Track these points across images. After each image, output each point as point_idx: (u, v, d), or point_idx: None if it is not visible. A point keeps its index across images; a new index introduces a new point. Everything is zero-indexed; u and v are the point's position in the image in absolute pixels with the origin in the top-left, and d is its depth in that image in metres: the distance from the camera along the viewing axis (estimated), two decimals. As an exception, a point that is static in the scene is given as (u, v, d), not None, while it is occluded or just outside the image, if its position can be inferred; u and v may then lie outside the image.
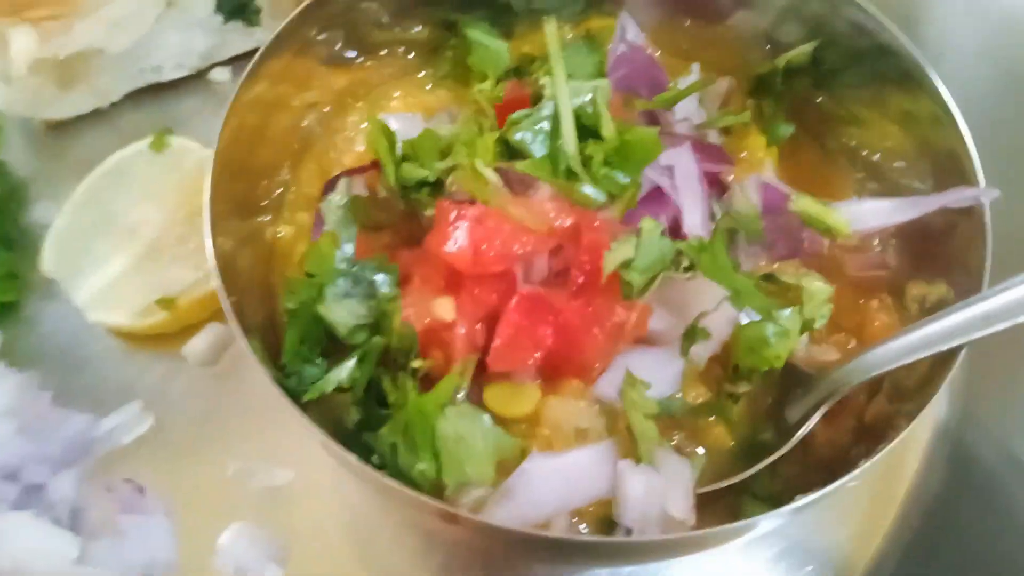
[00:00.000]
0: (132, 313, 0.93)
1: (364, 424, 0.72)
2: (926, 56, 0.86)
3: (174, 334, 0.95)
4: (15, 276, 0.98)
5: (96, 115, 1.11)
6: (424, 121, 0.85)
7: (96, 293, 0.95)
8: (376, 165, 0.81)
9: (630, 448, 0.71)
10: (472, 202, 0.74)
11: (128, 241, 0.98)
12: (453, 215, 0.72)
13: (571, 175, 0.74)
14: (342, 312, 0.72)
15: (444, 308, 0.71)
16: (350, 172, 0.83)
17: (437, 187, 0.78)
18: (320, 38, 0.86)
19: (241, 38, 1.12)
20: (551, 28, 0.79)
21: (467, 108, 0.84)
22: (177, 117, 1.13)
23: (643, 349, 0.73)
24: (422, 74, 0.94)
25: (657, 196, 0.76)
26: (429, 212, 0.76)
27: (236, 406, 0.91)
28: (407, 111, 0.89)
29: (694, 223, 0.75)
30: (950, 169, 0.76)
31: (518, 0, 0.93)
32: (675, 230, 0.75)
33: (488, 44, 0.88)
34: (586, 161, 0.74)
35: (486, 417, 0.68)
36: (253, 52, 1.04)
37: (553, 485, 0.68)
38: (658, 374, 0.72)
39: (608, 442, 0.71)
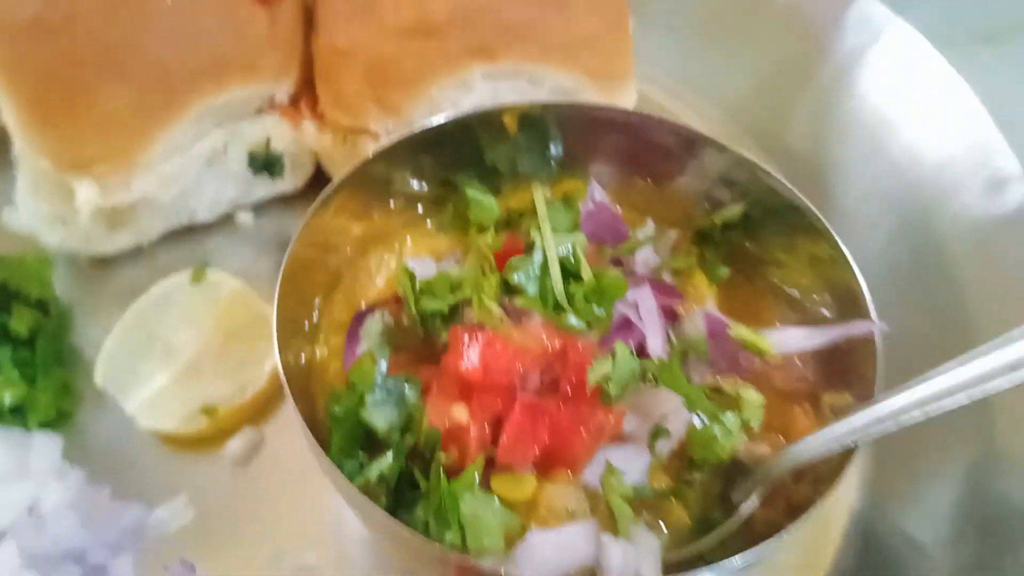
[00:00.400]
0: (177, 420, 1.08)
1: (394, 505, 0.88)
2: (831, 206, 1.11)
3: (213, 437, 1.10)
4: (69, 389, 1.12)
5: (135, 250, 1.28)
6: (435, 263, 1.04)
7: (144, 403, 1.10)
8: (399, 299, 1.00)
9: (610, 524, 0.88)
10: (480, 328, 0.92)
11: (171, 359, 1.13)
12: (465, 339, 0.91)
13: (558, 308, 0.94)
14: (380, 416, 0.89)
15: (460, 413, 0.89)
16: (379, 305, 1.01)
17: (450, 316, 0.96)
18: (355, 197, 1.05)
19: (264, 187, 1.31)
20: (539, 195, 1.01)
21: (472, 253, 1.03)
22: (206, 253, 1.30)
23: (618, 445, 0.92)
24: (428, 223, 1.13)
25: (625, 325, 0.96)
26: (444, 337, 0.95)
27: (267, 498, 1.06)
28: (417, 255, 1.08)
29: (656, 346, 0.95)
30: (849, 302, 0.97)
31: (504, 164, 1.13)
32: (640, 351, 0.95)
33: (482, 200, 1.08)
34: (570, 297, 0.95)
35: (496, 500, 0.85)
36: (274, 198, 1.25)
37: (551, 554, 0.84)
38: (631, 465, 0.91)
39: (592, 520, 0.88)
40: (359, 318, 1.01)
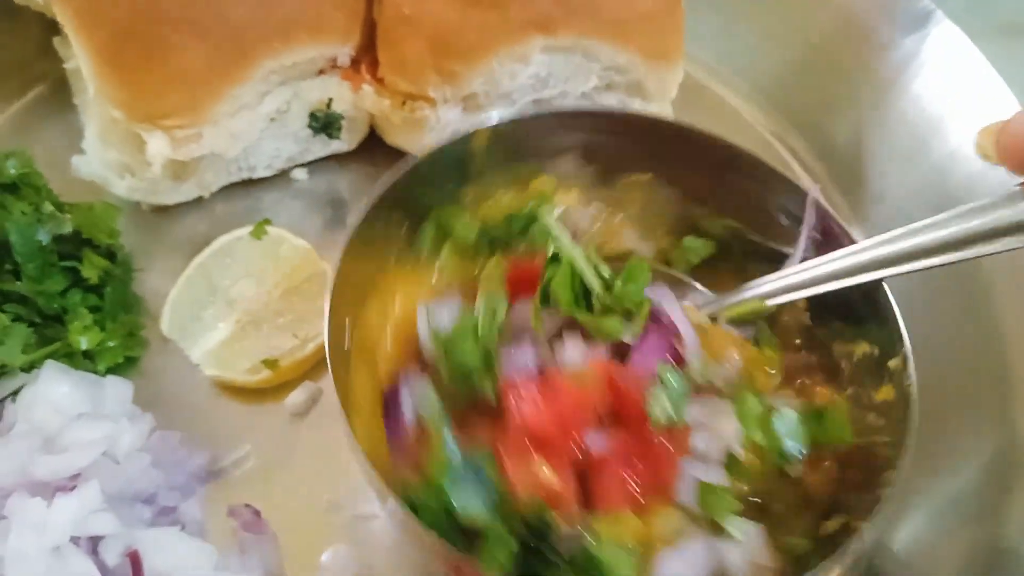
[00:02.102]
0: (240, 371, 1.09)
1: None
2: (871, 203, 1.12)
3: (274, 388, 1.11)
4: (136, 335, 1.13)
5: (195, 201, 1.28)
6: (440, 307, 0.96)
7: (208, 353, 1.11)
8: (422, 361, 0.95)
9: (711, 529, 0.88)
10: (525, 378, 0.88)
11: (233, 311, 1.14)
12: (520, 392, 0.86)
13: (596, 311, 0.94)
14: (473, 506, 0.82)
15: (547, 475, 0.84)
16: (408, 371, 0.94)
17: (486, 366, 0.90)
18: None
19: (321, 146, 1.30)
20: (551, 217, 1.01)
21: (481, 294, 0.95)
22: (262, 206, 1.31)
23: (692, 462, 0.90)
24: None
25: (654, 333, 0.95)
26: (487, 388, 0.89)
27: (325, 449, 1.07)
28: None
29: (689, 336, 0.95)
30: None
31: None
32: (674, 353, 0.94)
33: (457, 212, 1.03)
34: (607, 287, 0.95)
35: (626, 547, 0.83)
36: (329, 157, 1.24)
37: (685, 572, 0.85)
38: (710, 475, 0.90)
39: (701, 531, 0.87)
40: (395, 391, 0.94)
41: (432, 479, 0.84)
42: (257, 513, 0.98)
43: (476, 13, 1.17)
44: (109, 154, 1.16)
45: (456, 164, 1.02)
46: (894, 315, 0.92)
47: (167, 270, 1.21)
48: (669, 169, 1.07)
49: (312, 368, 1.12)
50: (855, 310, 0.96)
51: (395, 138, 1.30)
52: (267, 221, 1.20)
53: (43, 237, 1.07)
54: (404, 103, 1.24)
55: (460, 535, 0.83)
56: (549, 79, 1.24)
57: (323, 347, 1.05)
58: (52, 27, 1.22)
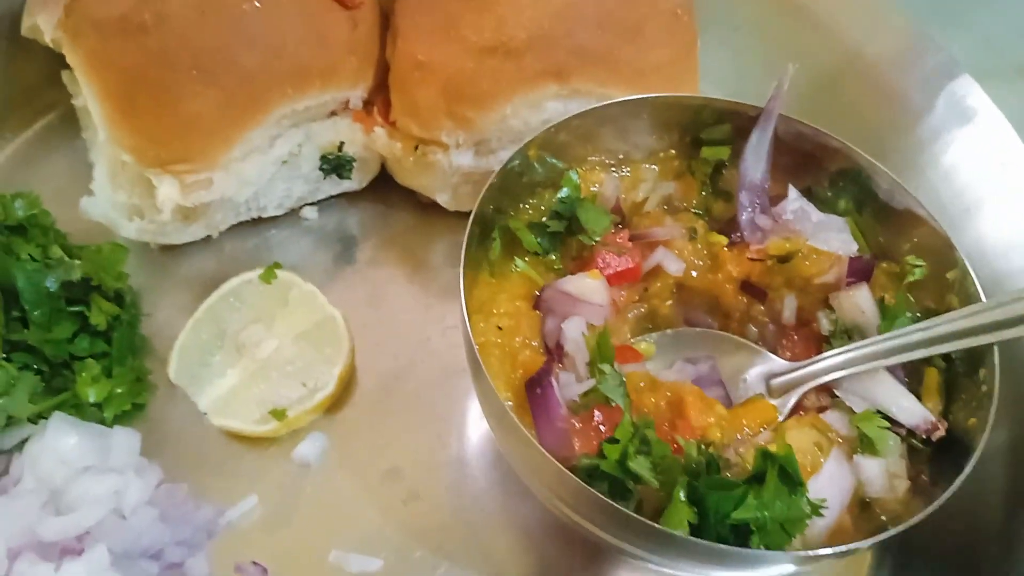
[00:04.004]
0: (247, 420, 1.07)
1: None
2: None
3: (281, 438, 1.09)
4: (144, 381, 1.11)
5: (204, 240, 1.25)
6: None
7: (216, 401, 1.09)
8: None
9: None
10: None
11: (241, 357, 1.12)
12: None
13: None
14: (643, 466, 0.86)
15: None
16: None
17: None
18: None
19: (331, 186, 1.28)
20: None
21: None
22: (271, 244, 1.29)
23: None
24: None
25: None
26: None
27: (333, 501, 1.05)
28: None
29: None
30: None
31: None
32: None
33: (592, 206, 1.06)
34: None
35: None
36: (339, 194, 1.22)
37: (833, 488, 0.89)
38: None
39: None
40: (542, 383, 0.93)
41: (619, 451, 0.85)
42: (264, 570, 0.96)
43: (491, 61, 1.14)
44: (118, 196, 1.13)
45: (513, 177, 1.05)
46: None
47: (174, 310, 1.19)
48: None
49: (320, 417, 1.10)
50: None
51: (406, 179, 1.28)
52: (277, 265, 1.18)
53: (51, 284, 1.04)
54: (416, 147, 1.21)
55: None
56: (561, 125, 1.21)
57: (331, 398, 1.05)
58: (60, 58, 1.19)
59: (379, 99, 1.25)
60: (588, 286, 1.00)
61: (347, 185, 1.29)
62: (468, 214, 1.23)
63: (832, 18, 1.39)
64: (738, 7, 1.43)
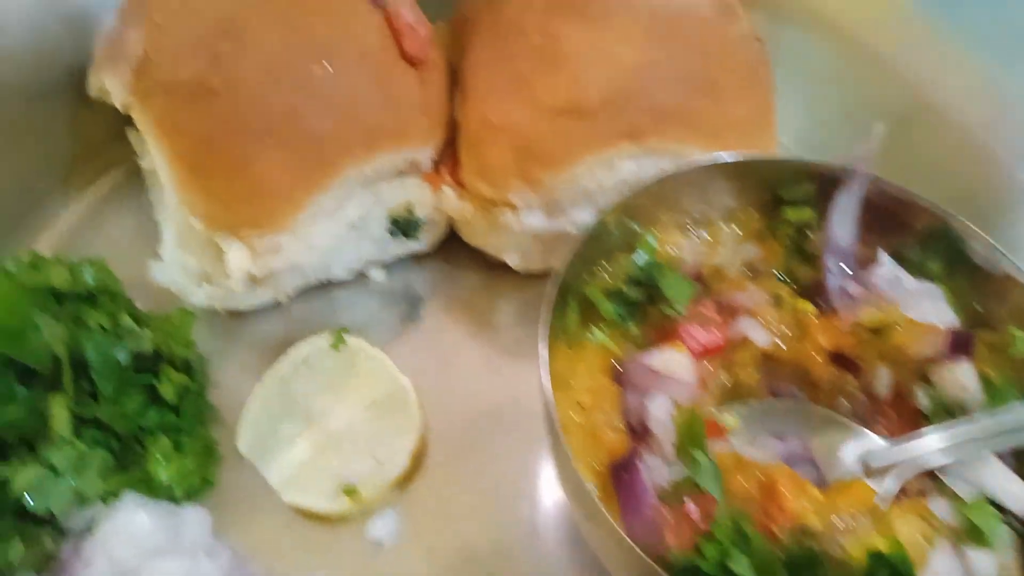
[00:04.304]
0: (319, 497, 1.04)
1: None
2: None
3: (353, 516, 1.05)
4: (213, 453, 1.08)
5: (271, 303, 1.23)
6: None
7: (286, 475, 1.06)
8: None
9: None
10: None
11: (311, 428, 1.09)
12: None
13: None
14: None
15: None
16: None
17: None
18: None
19: (399, 247, 1.25)
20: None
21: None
22: (338, 306, 1.26)
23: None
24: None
25: None
26: None
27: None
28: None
29: None
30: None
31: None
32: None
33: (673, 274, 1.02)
34: None
35: None
36: (406, 257, 1.19)
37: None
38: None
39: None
40: (628, 466, 0.89)
41: (718, 549, 0.81)
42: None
43: (564, 122, 1.11)
44: (187, 261, 1.11)
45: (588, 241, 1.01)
46: None
47: (242, 375, 1.17)
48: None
49: (393, 493, 1.06)
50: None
51: (474, 238, 1.25)
52: (345, 330, 1.15)
53: (122, 356, 1.02)
54: (485, 208, 1.18)
55: None
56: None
57: (404, 474, 1.01)
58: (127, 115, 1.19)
59: (447, 158, 1.22)
60: (674, 362, 0.96)
61: (415, 246, 1.26)
62: (538, 275, 1.21)
63: (912, 69, 1.33)
64: (812, 56, 1.38)
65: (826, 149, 1.35)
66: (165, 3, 1.06)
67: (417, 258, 1.30)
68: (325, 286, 1.26)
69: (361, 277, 1.27)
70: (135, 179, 1.30)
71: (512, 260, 1.23)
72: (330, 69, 1.06)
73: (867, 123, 1.36)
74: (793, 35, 1.40)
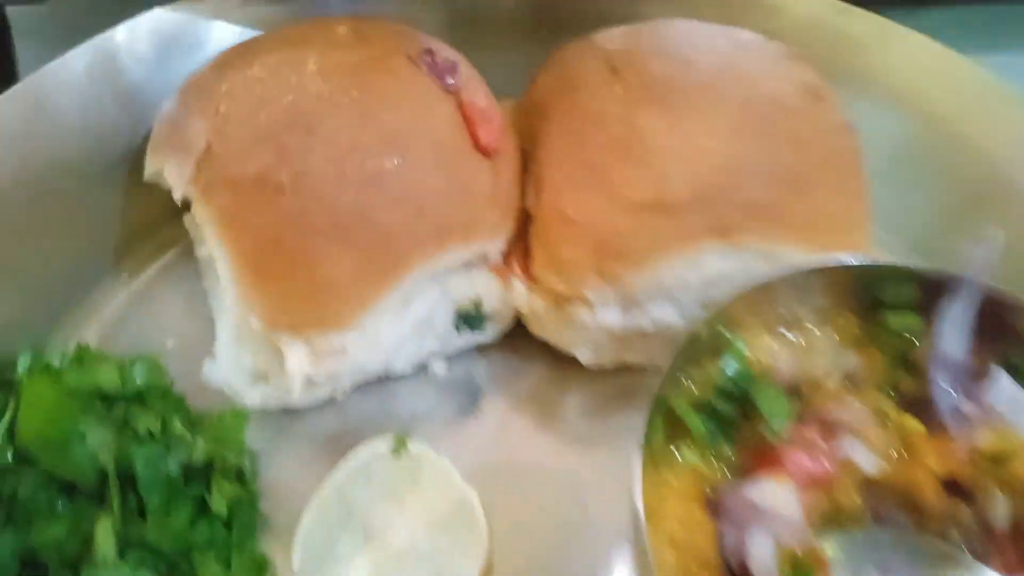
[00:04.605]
0: (379, 621, 0.96)
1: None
2: None
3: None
4: (263, 569, 1.00)
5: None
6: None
7: (345, 598, 0.98)
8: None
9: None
10: None
11: (370, 543, 1.01)
12: None
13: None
14: None
15: None
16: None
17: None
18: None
19: (463, 339, 1.18)
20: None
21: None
22: (396, 399, 1.19)
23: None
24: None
25: None
26: None
27: None
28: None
29: None
30: None
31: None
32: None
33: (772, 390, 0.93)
34: None
35: None
36: (470, 349, 1.13)
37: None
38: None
39: None
40: None
41: None
42: None
43: (648, 218, 1.04)
44: (242, 359, 1.05)
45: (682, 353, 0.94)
46: None
47: (294, 476, 1.09)
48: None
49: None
50: None
51: (542, 332, 1.17)
52: (406, 435, 1.08)
53: (173, 467, 0.95)
54: (558, 303, 1.10)
55: None
56: (719, 280, 1.10)
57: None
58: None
59: (517, 248, 1.15)
60: (778, 495, 0.88)
61: (479, 338, 1.18)
62: (609, 370, 1.13)
63: (993, 147, 1.24)
64: (903, 142, 1.30)
65: (919, 241, 1.29)
66: (230, 92, 1.00)
67: (480, 348, 1.23)
68: (382, 378, 1.18)
69: (420, 368, 1.20)
70: (188, 261, 1.24)
71: (583, 355, 1.16)
72: (401, 162, 1.00)
73: (950, 203, 1.31)
74: (868, 110, 1.32)
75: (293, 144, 0.97)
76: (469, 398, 1.21)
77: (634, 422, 1.15)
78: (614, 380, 1.21)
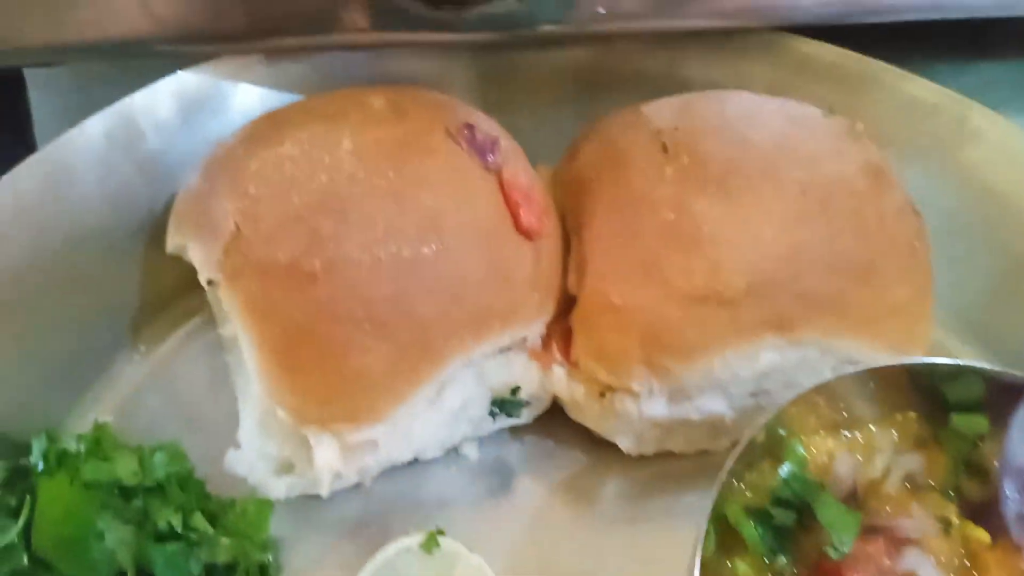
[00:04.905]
0: None
1: None
2: None
3: None
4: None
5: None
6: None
7: None
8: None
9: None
10: None
11: (400, 647, 0.96)
12: None
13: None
14: None
15: None
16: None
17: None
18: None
19: (498, 422, 1.12)
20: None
21: None
22: (424, 482, 1.13)
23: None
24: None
25: None
26: None
27: None
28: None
29: None
30: None
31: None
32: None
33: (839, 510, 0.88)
34: None
35: None
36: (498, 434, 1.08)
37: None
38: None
39: None
40: None
41: None
42: None
43: (701, 310, 0.98)
44: (268, 448, 0.99)
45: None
46: None
47: (317, 564, 1.05)
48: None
49: None
50: None
51: (582, 418, 1.12)
52: (440, 532, 1.02)
53: (195, 567, 0.90)
54: (600, 392, 1.05)
55: None
56: (773, 374, 1.04)
57: None
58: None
59: (556, 330, 1.09)
60: (845, 623, 0.82)
61: (514, 421, 1.13)
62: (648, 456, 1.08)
63: None
64: (954, 212, 1.24)
65: (980, 323, 1.23)
66: (260, 171, 0.95)
67: (514, 430, 1.17)
68: (410, 461, 1.13)
69: (450, 450, 1.14)
70: (208, 330, 1.20)
71: (624, 443, 1.10)
72: (439, 247, 0.94)
73: (1001, 276, 1.26)
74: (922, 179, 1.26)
75: (326, 229, 0.92)
76: (501, 482, 1.16)
77: (675, 507, 1.11)
78: (654, 464, 1.16)
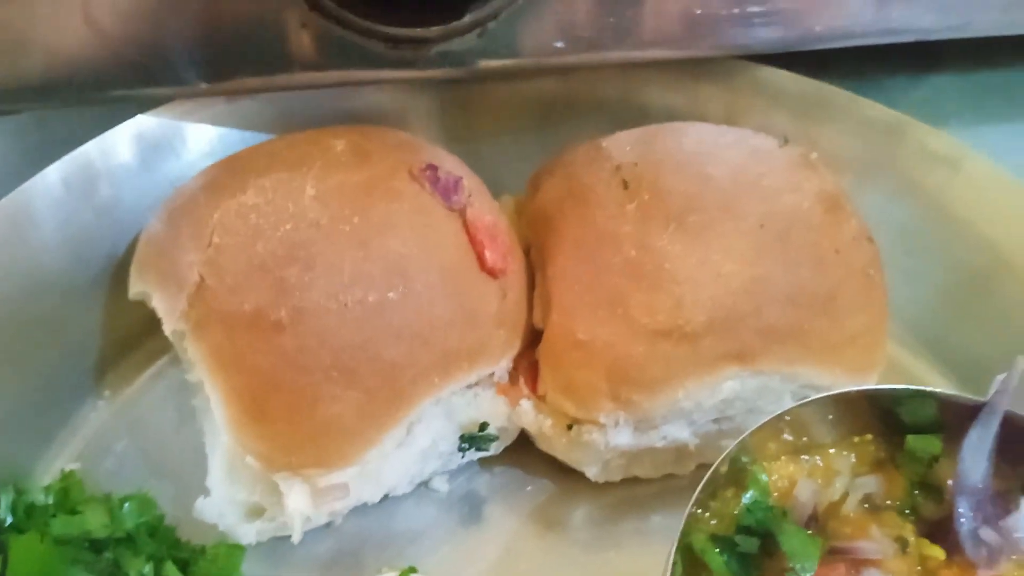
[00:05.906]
0: None
1: None
2: None
3: None
4: None
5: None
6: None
7: None
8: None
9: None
10: None
11: None
12: None
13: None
14: None
15: None
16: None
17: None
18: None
19: (467, 457, 1.15)
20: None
21: None
22: (393, 517, 1.15)
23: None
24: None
25: None
26: None
27: None
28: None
29: None
30: None
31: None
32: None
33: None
34: None
35: None
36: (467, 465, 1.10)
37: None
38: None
39: None
40: None
41: None
42: None
43: (664, 345, 1.02)
44: (238, 495, 1.01)
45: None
46: None
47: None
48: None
49: None
50: None
51: (550, 449, 1.15)
52: (412, 570, 1.05)
53: (167, 620, 0.92)
54: (570, 427, 1.08)
55: None
56: (735, 401, 1.08)
57: None
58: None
59: (522, 364, 1.12)
60: (808, 644, 0.86)
61: (483, 453, 1.16)
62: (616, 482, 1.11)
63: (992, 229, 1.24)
64: (912, 233, 1.29)
65: (931, 338, 1.28)
66: (223, 222, 0.97)
67: (483, 461, 1.20)
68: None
69: (420, 485, 1.17)
70: (173, 372, 1.21)
71: (591, 473, 1.14)
72: (405, 291, 0.97)
73: (949, 289, 1.31)
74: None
75: (291, 278, 0.94)
76: (472, 512, 1.19)
77: (643, 529, 1.15)
78: (621, 489, 1.19)
